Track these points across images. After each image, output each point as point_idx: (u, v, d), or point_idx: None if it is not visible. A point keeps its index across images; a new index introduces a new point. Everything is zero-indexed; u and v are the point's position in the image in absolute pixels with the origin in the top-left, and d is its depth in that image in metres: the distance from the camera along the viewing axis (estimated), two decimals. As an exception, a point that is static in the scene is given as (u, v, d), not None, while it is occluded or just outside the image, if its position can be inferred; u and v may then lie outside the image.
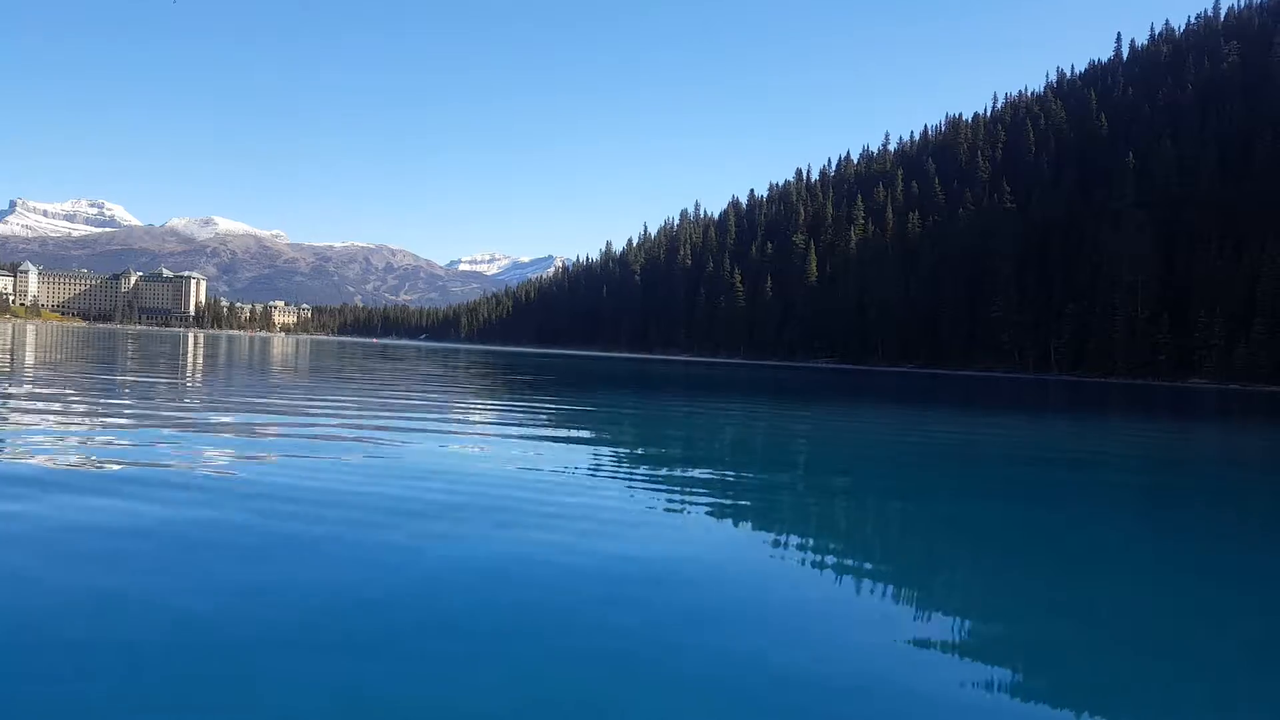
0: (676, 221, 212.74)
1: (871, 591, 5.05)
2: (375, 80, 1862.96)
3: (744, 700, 3.37)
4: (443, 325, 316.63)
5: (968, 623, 4.58)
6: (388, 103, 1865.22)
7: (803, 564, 5.61)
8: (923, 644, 4.15)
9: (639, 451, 11.74)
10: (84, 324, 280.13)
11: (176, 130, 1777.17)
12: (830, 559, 5.74)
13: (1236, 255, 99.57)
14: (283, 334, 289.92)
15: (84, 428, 10.67)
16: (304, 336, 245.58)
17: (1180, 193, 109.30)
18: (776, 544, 6.14)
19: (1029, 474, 11.99)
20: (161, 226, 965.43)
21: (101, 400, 14.81)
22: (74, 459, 8.08)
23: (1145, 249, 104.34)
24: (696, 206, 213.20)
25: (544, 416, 16.19)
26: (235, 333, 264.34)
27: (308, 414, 14.01)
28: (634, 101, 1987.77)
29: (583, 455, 10.52)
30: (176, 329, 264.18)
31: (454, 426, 13.52)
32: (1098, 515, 8.54)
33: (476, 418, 15.34)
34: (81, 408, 13.23)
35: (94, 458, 8.22)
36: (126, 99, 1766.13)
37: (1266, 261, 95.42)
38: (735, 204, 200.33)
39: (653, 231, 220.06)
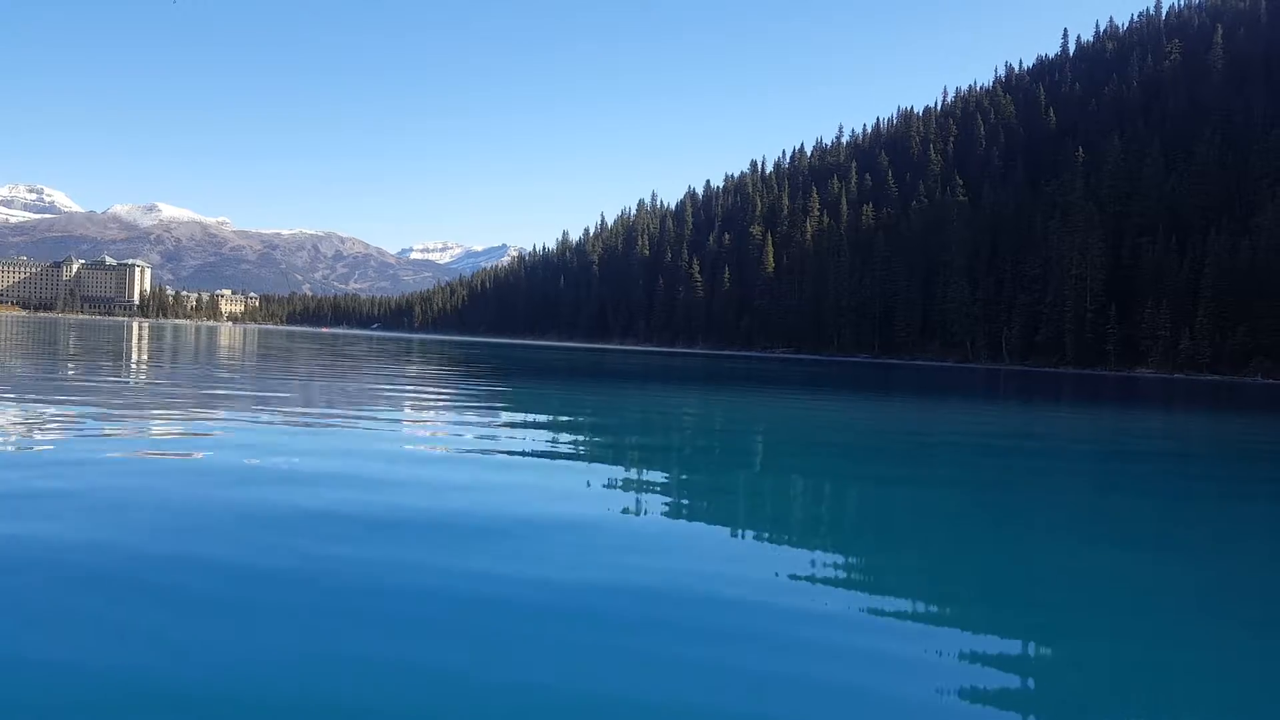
0: (634, 212, 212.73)
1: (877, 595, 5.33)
2: (322, 65, 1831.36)
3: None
4: (395, 315, 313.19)
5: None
6: (335, 87, 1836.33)
7: (791, 554, 5.87)
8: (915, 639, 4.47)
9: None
10: (24, 313, 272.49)
11: (117, 114, 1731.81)
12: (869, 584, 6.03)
13: (1180, 248, 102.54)
14: (230, 323, 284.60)
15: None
16: (252, 326, 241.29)
17: (1126, 186, 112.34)
18: (738, 522, 6.41)
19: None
20: (103, 213, 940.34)
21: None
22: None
23: (1093, 241, 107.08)
24: (654, 197, 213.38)
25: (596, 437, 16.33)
26: (181, 322, 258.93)
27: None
28: (587, 91, 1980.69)
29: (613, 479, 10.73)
30: (121, 318, 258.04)
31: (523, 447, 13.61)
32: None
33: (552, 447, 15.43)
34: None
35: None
36: (64, 81, 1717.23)
37: (1209, 254, 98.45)
38: (692, 195, 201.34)
39: (610, 221, 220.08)
